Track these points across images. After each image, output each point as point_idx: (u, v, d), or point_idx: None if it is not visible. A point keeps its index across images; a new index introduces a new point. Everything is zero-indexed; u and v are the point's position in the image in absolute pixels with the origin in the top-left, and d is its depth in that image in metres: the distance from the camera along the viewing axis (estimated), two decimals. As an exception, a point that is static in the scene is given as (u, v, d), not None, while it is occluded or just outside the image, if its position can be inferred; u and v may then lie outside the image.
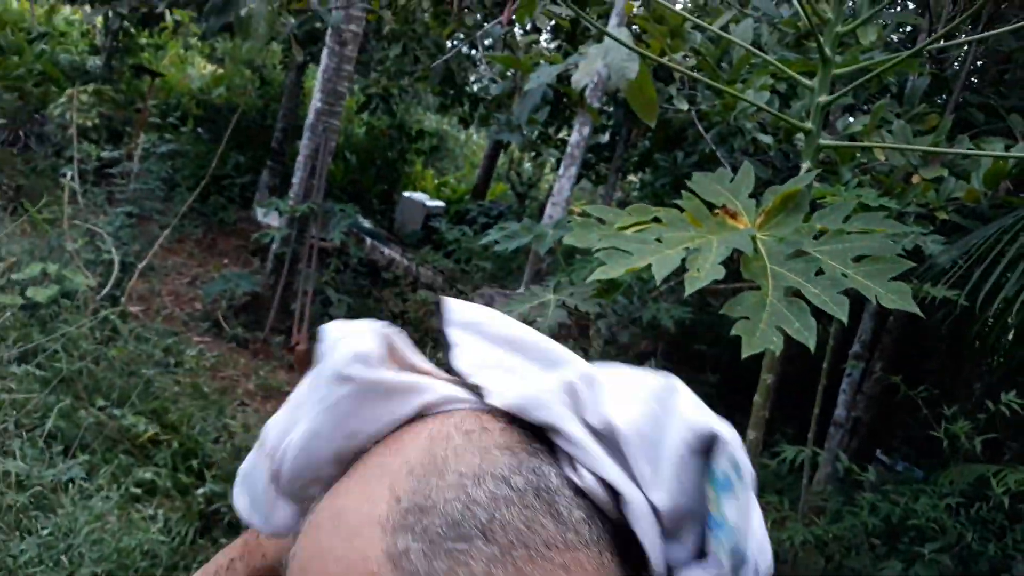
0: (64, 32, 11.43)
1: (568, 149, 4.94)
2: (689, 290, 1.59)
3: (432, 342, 7.04)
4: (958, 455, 3.44)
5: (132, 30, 9.69)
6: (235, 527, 3.88)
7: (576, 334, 5.40)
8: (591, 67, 3.83)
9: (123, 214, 5.48)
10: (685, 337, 7.16)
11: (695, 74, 2.91)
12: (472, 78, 9.89)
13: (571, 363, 0.49)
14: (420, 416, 0.48)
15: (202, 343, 5.94)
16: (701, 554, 0.44)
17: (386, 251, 8.36)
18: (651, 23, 4.22)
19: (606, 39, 3.26)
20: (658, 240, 1.76)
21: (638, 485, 0.43)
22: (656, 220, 1.88)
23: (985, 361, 5.46)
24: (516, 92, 6.76)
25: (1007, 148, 3.80)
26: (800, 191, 1.93)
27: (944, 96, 5.08)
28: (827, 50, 2.15)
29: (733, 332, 1.57)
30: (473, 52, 8.94)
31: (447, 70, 8.43)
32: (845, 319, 1.58)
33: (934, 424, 3.31)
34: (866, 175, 4.11)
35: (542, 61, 4.73)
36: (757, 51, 2.60)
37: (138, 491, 3.66)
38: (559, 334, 2.75)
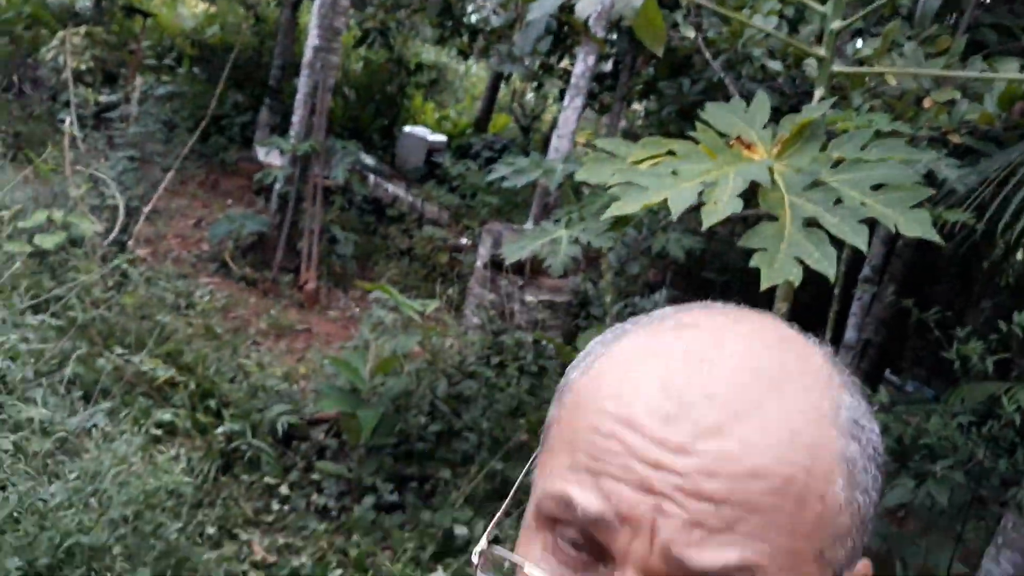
0: (52, -28, 11.16)
1: (572, 80, 4.86)
2: (707, 223, 1.59)
3: (440, 277, 7.06)
4: (969, 375, 3.47)
5: (121, -32, 9.46)
6: (255, 464, 3.96)
7: (584, 266, 5.41)
8: (596, -6, 3.75)
9: (125, 158, 5.44)
10: (693, 266, 7.17)
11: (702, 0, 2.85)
12: (470, 8, 9.68)
13: None
14: None
15: (211, 284, 5.97)
16: None
17: (390, 188, 8.31)
18: (656, -54, 4.10)
19: (612, -35, 3.18)
20: (674, 173, 1.74)
21: None
22: (671, 153, 1.87)
23: (994, 282, 5.47)
24: (517, 22, 6.63)
25: (1022, 68, 3.73)
26: (816, 120, 1.91)
27: (956, 16, 4.97)
28: (843, -28, 2.10)
29: (752, 263, 1.58)
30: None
31: (445, 1, 8.25)
32: (865, 248, 1.58)
33: (945, 345, 3.33)
34: (877, 99, 4.04)
35: (544, -11, 4.61)
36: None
37: (159, 432, 3.72)
38: (569, 267, 2.76)
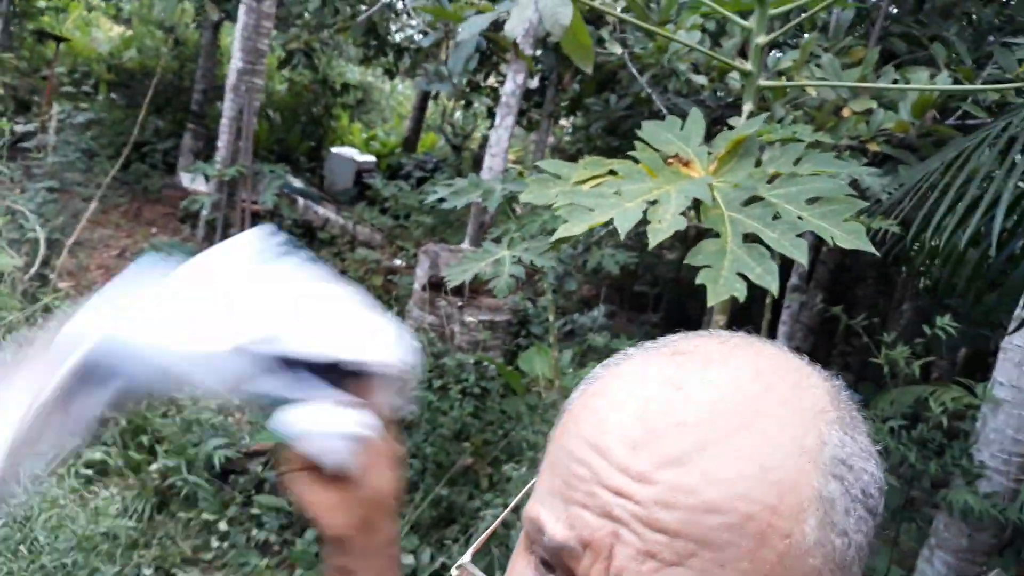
0: (-44, -3, 10.74)
1: (503, 98, 4.89)
2: (654, 242, 1.61)
3: (376, 300, 6.98)
4: (896, 378, 3.58)
5: (30, -8, 9.17)
6: (192, 500, 3.84)
7: (522, 285, 5.43)
8: (523, 14, 3.78)
9: (44, 189, 5.26)
10: (626, 280, 7.26)
11: (626, 16, 2.89)
12: (395, 28, 9.66)
13: None
14: None
15: (138, 317, 5.78)
16: None
17: (320, 210, 8.20)
18: (580, -33, 4.16)
19: (540, -14, 3.22)
20: (617, 193, 1.76)
21: None
22: (612, 172, 1.88)
23: (914, 285, 5.68)
24: (444, 41, 6.65)
25: (931, 77, 3.90)
26: (750, 136, 1.96)
27: (867, 27, 5.17)
28: (767, -8, 2.16)
29: (698, 281, 1.60)
30: (394, 1, 8.72)
31: (370, 21, 8.22)
32: (805, 262, 1.62)
33: (874, 350, 3.44)
34: (798, 110, 4.18)
35: (472, 10, 4.64)
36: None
37: (90, 472, 3.58)
38: (512, 287, 2.76)
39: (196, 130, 8.68)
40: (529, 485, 0.54)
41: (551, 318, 2.87)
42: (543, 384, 4.48)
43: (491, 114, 8.17)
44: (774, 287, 1.59)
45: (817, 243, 5.28)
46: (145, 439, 4.16)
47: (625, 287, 7.64)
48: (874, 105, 3.96)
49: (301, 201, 8.04)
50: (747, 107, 2.27)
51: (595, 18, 5.13)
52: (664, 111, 5.02)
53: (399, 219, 8.65)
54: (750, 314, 5.14)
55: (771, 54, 4.99)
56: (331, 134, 11.16)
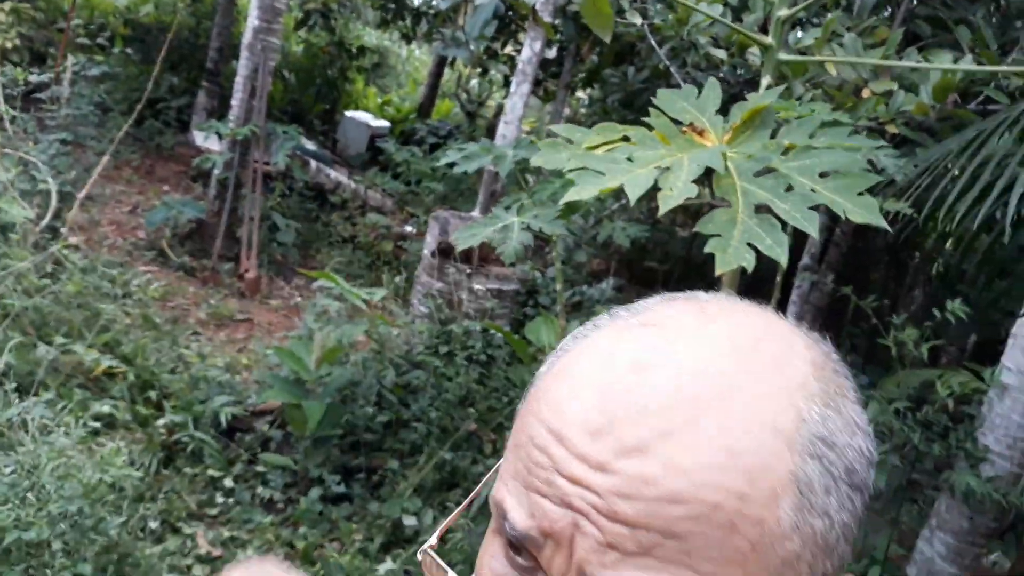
0: (-26, -54, 10.69)
1: (519, 65, 4.85)
2: (664, 209, 1.60)
3: (386, 265, 6.99)
4: (904, 361, 3.57)
5: (49, -57, 9.11)
6: (198, 456, 3.88)
7: (531, 254, 5.42)
8: (543, -20, 3.74)
9: (56, 141, 5.26)
10: (636, 255, 7.24)
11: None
12: (413, -9, 9.58)
13: None
14: None
15: (148, 272, 5.81)
16: None
17: (332, 174, 8.19)
18: (603, -67, 4.10)
19: (561, -49, 3.18)
20: (629, 159, 1.75)
21: None
22: (625, 139, 1.87)
23: (926, 270, 5.65)
24: (463, 6, 6.58)
25: (955, 60, 3.85)
26: (767, 107, 1.93)
27: (892, 9, 5.10)
28: (791, -38, 2.13)
29: (707, 250, 1.59)
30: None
31: (388, -16, 8.15)
32: (816, 234, 1.61)
33: (883, 332, 3.42)
34: (817, 89, 4.13)
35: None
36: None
37: (97, 425, 3.61)
38: (520, 255, 2.75)
39: (210, 88, 8.65)
40: (496, 467, 0.52)
41: (559, 288, 2.86)
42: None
43: (507, 82, 8.10)
44: (783, 258, 1.58)
45: (831, 224, 5.24)
46: (153, 394, 4.19)
47: (635, 262, 7.62)
48: (895, 87, 3.90)
49: (313, 164, 8.03)
50: (765, 81, 2.24)
51: (616, -13, 5.06)
52: (682, 85, 4.96)
53: (411, 185, 8.64)
54: (760, 293, 5.13)
55: (793, 33, 4.92)
56: (346, 97, 11.10)
